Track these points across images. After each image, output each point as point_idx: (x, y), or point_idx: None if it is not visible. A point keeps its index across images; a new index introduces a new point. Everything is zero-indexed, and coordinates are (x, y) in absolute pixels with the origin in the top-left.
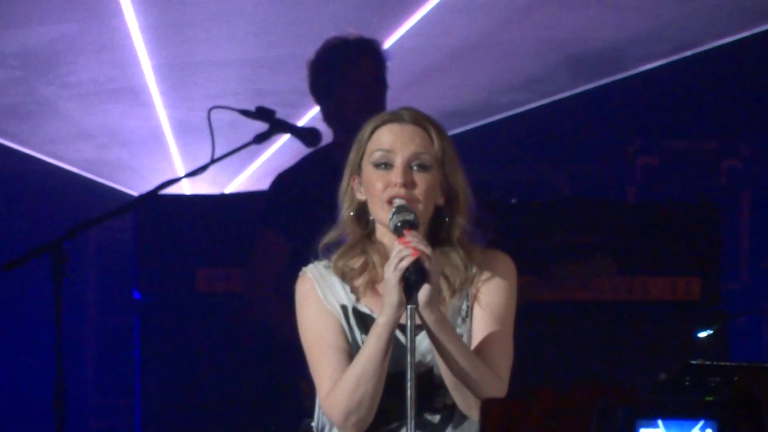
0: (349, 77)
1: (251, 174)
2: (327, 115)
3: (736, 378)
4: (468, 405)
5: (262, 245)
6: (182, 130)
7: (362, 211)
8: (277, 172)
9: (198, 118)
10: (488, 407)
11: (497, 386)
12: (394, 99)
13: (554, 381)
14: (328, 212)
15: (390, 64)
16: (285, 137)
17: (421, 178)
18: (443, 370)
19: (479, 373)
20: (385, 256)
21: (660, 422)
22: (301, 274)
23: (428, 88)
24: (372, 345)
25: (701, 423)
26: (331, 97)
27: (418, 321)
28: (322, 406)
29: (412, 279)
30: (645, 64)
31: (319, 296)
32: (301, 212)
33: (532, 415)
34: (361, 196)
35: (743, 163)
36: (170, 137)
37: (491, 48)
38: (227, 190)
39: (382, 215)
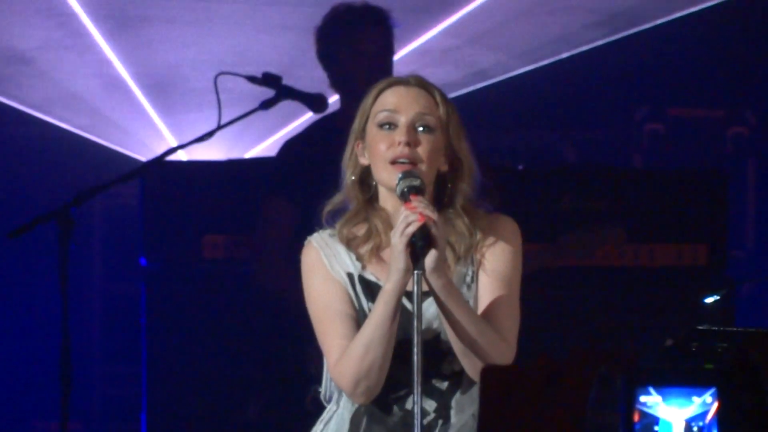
0: (356, 45)
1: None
2: (334, 83)
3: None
4: (476, 370)
5: (270, 213)
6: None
7: (365, 176)
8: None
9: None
10: (487, 375)
11: (505, 351)
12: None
13: (560, 347)
14: (335, 180)
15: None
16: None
17: (425, 139)
18: (451, 336)
19: (487, 338)
20: (387, 223)
21: (659, 390)
22: (306, 243)
23: (435, 47)
24: (380, 311)
25: (701, 390)
26: (339, 65)
27: (425, 287)
28: (331, 373)
29: (419, 244)
30: (650, 22)
31: (325, 265)
32: (308, 180)
33: (531, 383)
34: (364, 161)
35: (750, 130)
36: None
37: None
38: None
39: (385, 176)
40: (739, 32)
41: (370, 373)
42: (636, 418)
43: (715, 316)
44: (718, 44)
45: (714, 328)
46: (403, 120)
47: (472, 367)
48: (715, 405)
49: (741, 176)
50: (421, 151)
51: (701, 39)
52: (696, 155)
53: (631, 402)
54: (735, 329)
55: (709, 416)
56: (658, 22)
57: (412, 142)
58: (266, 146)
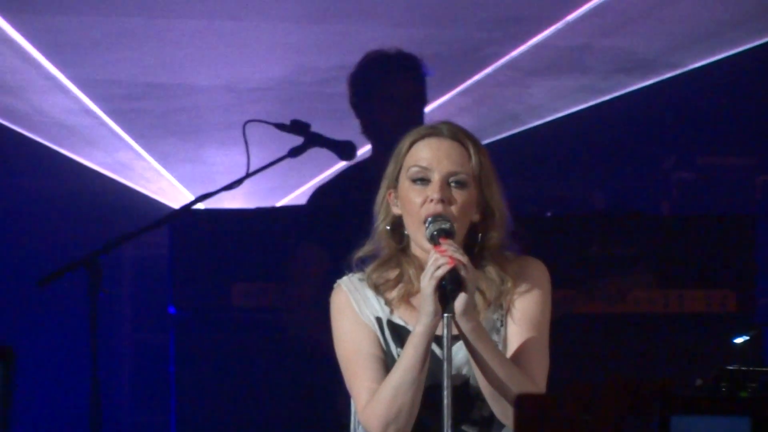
0: (388, 91)
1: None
2: (365, 129)
3: None
4: (506, 414)
5: (302, 259)
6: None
7: (397, 225)
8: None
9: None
10: (522, 402)
11: None
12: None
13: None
14: (366, 228)
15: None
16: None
17: (458, 195)
18: (480, 380)
19: (517, 381)
20: (419, 269)
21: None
22: (335, 286)
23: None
24: (409, 355)
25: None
26: (370, 111)
27: (454, 331)
28: (360, 417)
29: (449, 288)
30: (678, 68)
31: (354, 308)
32: (339, 226)
33: (566, 409)
34: (396, 210)
35: None
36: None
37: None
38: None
39: (417, 235)
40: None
41: (399, 418)
42: None
43: (744, 358)
44: (746, 91)
45: (743, 368)
46: (436, 176)
47: (502, 411)
48: None
49: None
50: (455, 208)
51: (729, 85)
52: (724, 203)
53: (666, 430)
54: (764, 369)
55: None
56: (687, 68)
57: (445, 199)
58: (295, 196)
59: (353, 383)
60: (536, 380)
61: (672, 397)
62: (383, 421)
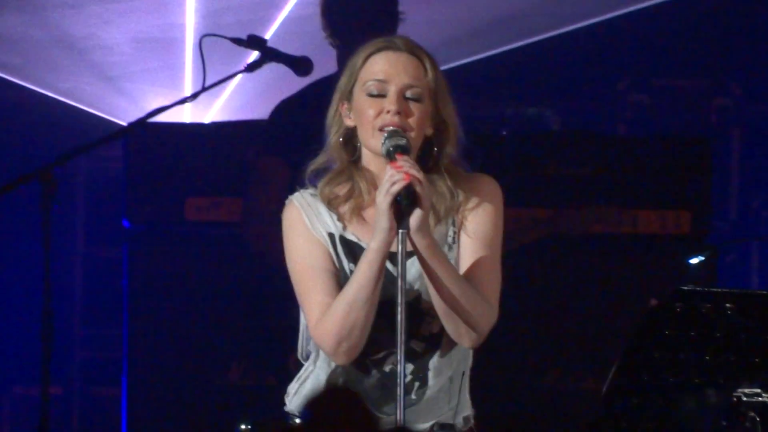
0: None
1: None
2: (333, 33)
3: (728, 305)
4: (458, 332)
5: (262, 172)
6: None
7: (350, 138)
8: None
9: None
10: None
11: (488, 312)
12: None
13: (548, 312)
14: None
15: None
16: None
17: (414, 107)
18: (434, 297)
19: (470, 298)
20: (371, 183)
21: None
22: (287, 202)
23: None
24: (364, 270)
25: None
26: (341, 30)
27: (408, 247)
28: (312, 332)
29: (404, 204)
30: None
31: (306, 224)
32: (302, 141)
33: None
34: (349, 122)
35: (734, 101)
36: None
37: None
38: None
39: (372, 142)
40: (723, 3)
41: (352, 333)
42: None
43: (699, 280)
44: (703, 14)
45: (698, 288)
46: (392, 89)
47: (454, 329)
48: None
49: (725, 147)
50: (411, 120)
51: (685, 9)
52: (680, 126)
53: None
54: (719, 290)
55: None
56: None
57: (401, 112)
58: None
59: (305, 298)
60: (489, 297)
61: None
62: (336, 336)
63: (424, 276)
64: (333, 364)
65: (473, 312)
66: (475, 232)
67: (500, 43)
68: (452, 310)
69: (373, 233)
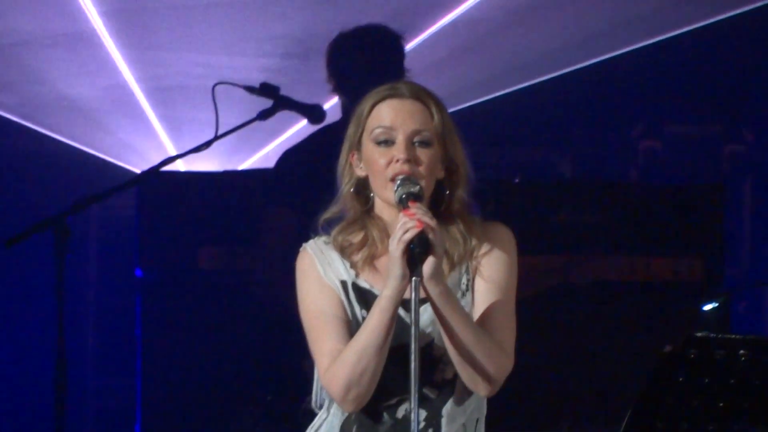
0: (365, 64)
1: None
2: (337, 87)
3: (741, 352)
4: (473, 380)
5: (270, 223)
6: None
7: (362, 187)
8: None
9: (169, 74)
10: None
11: (503, 360)
12: None
13: (561, 360)
14: (333, 190)
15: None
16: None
17: (423, 154)
18: (448, 345)
19: (484, 346)
20: (384, 231)
21: None
22: (301, 249)
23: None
24: (376, 318)
25: None
26: (347, 79)
27: (421, 295)
28: (322, 380)
29: (417, 251)
30: (646, 39)
31: (319, 271)
32: (308, 189)
33: None
34: (360, 172)
35: (746, 147)
36: (141, 96)
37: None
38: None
39: (386, 193)
40: (735, 49)
41: (361, 381)
42: None
43: (712, 326)
44: (715, 61)
45: (711, 335)
46: (401, 137)
47: (469, 377)
48: None
49: (737, 194)
50: (422, 168)
51: (698, 56)
52: (692, 172)
53: None
54: (732, 336)
55: None
56: (656, 39)
57: (411, 159)
58: (262, 156)
59: (316, 345)
60: (504, 345)
61: None
62: (345, 383)
63: (437, 322)
64: (346, 412)
65: (488, 360)
66: (489, 278)
67: (511, 84)
68: (466, 357)
69: (386, 281)
